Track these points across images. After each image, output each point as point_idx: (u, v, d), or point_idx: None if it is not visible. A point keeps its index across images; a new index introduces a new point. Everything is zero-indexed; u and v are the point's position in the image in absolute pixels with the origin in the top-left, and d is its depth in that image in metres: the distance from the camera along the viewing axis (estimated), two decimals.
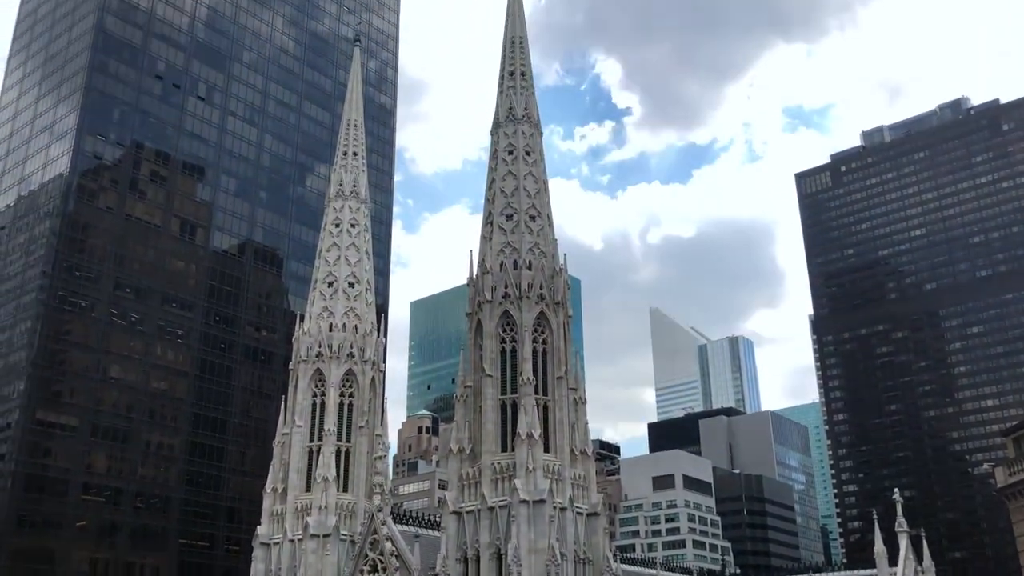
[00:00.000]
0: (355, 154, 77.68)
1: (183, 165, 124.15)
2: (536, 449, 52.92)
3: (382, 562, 59.09)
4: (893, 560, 70.85)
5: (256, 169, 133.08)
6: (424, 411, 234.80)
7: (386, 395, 73.40)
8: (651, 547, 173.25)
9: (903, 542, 73.92)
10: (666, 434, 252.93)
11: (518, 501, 51.45)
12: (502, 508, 52.55)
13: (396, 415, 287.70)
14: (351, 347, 70.37)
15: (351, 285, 72.48)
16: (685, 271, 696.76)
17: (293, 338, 72.67)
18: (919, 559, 76.14)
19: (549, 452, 54.28)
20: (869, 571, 71.14)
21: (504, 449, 54.52)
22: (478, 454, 55.36)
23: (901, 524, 74.23)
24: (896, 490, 79.58)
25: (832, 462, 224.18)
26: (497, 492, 53.26)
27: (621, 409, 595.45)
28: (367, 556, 59.86)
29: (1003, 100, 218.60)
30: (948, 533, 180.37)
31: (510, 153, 61.80)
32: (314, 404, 69.41)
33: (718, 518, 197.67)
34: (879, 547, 68.38)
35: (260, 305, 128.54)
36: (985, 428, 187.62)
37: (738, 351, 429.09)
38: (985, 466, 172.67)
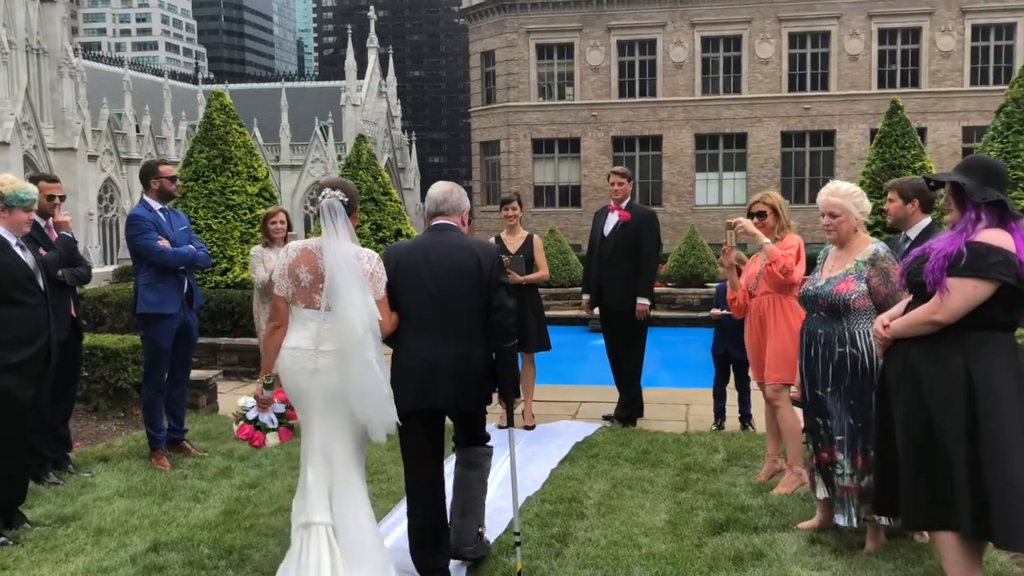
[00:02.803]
0: None
1: None
2: None
3: None
4: (361, 74, 75.54)
5: None
6: None
7: None
8: (120, 47, 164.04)
9: (372, 58, 78.72)
10: None
11: None
12: None
13: None
14: None
15: None
16: None
17: None
18: (384, 74, 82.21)
19: None
20: (339, 83, 75.35)
21: None
22: None
23: (372, 41, 78.55)
24: (372, 8, 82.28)
25: None
26: None
27: None
28: None
29: None
30: (412, 54, 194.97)
31: None
32: None
33: (194, 23, 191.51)
34: (350, 61, 71.90)
35: None
36: None
37: None
38: None
